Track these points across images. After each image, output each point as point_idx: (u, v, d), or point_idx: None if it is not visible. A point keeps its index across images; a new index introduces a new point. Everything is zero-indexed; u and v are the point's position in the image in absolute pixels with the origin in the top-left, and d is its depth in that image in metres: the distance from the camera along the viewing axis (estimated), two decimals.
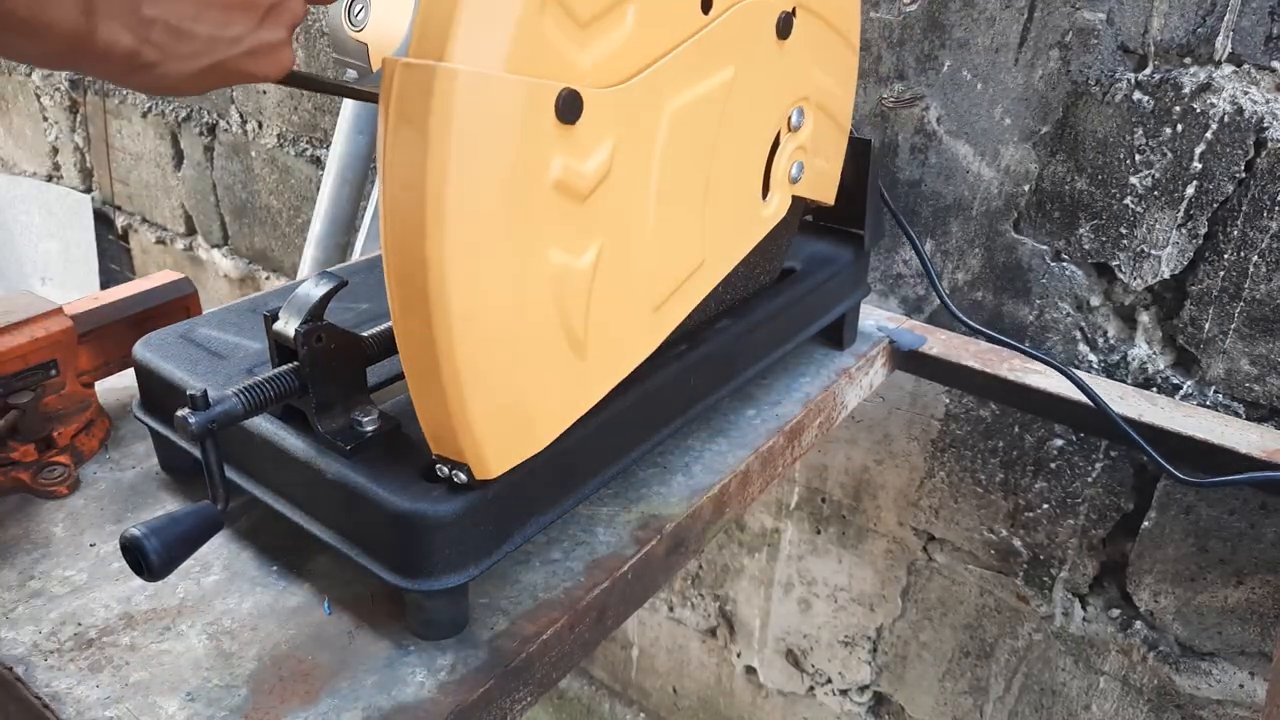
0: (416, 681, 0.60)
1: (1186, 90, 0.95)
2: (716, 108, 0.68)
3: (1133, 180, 1.00)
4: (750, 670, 1.63)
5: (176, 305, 0.91)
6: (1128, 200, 1.02)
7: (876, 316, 1.16)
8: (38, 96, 2.61)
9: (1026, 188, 1.08)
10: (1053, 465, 1.16)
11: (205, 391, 0.57)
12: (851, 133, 0.91)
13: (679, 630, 1.70)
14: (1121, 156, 1.01)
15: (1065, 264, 1.08)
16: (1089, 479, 1.13)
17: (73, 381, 0.81)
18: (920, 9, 1.08)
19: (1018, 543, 1.22)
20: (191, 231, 2.33)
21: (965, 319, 1.04)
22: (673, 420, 0.79)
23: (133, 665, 0.61)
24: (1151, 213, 1.00)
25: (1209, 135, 0.95)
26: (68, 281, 2.68)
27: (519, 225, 0.54)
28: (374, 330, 0.68)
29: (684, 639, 1.70)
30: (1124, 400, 1.00)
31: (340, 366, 0.64)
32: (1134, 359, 1.07)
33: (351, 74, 0.77)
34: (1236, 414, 1.02)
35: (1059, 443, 1.14)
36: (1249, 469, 0.90)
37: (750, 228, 0.79)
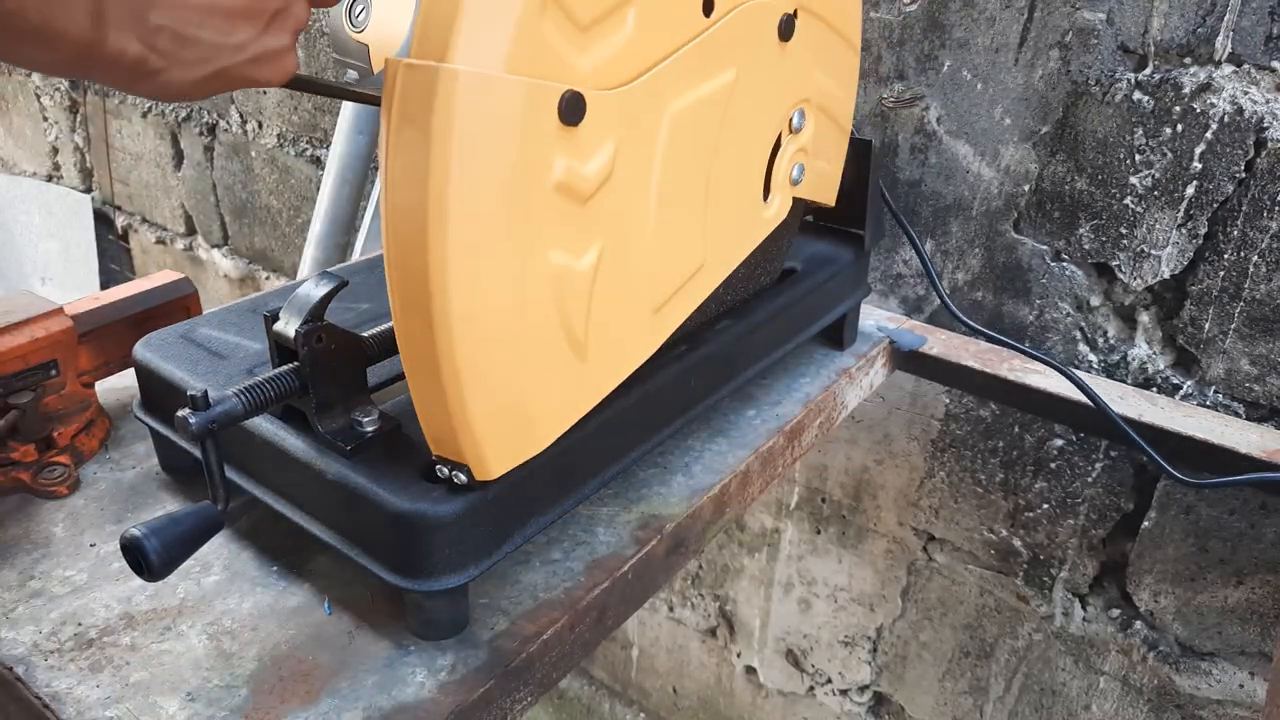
0: (417, 681, 0.60)
1: (1186, 90, 0.95)
2: (718, 110, 0.68)
3: (1133, 180, 1.01)
4: (750, 670, 1.63)
5: (176, 305, 0.91)
6: (1128, 200, 1.02)
7: (876, 316, 1.16)
8: (38, 96, 2.61)
9: (1026, 188, 1.08)
10: (1053, 465, 1.16)
11: (205, 392, 0.57)
12: (852, 133, 0.91)
13: (679, 630, 1.70)
14: (1121, 156, 1.01)
15: (1065, 264, 1.08)
16: (1089, 479, 1.14)
17: (73, 381, 0.81)
18: (920, 9, 1.08)
19: (1018, 543, 1.22)
20: (191, 231, 2.33)
21: (965, 319, 1.04)
22: (673, 420, 0.79)
23: (133, 665, 0.61)
24: (1151, 213, 1.00)
25: (1209, 135, 0.95)
26: (68, 281, 2.68)
27: (520, 226, 0.54)
28: (374, 330, 0.68)
29: (684, 639, 1.70)
30: (1124, 400, 1.00)
31: (340, 367, 0.64)
32: (1134, 359, 1.07)
33: (352, 75, 0.77)
34: (1236, 414, 1.02)
35: (1059, 443, 1.14)
36: (1249, 469, 0.90)
37: (751, 229, 0.79)
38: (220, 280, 2.30)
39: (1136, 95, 0.98)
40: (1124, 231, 1.03)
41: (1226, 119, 0.93)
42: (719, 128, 0.69)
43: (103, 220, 2.59)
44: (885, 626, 1.41)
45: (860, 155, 0.94)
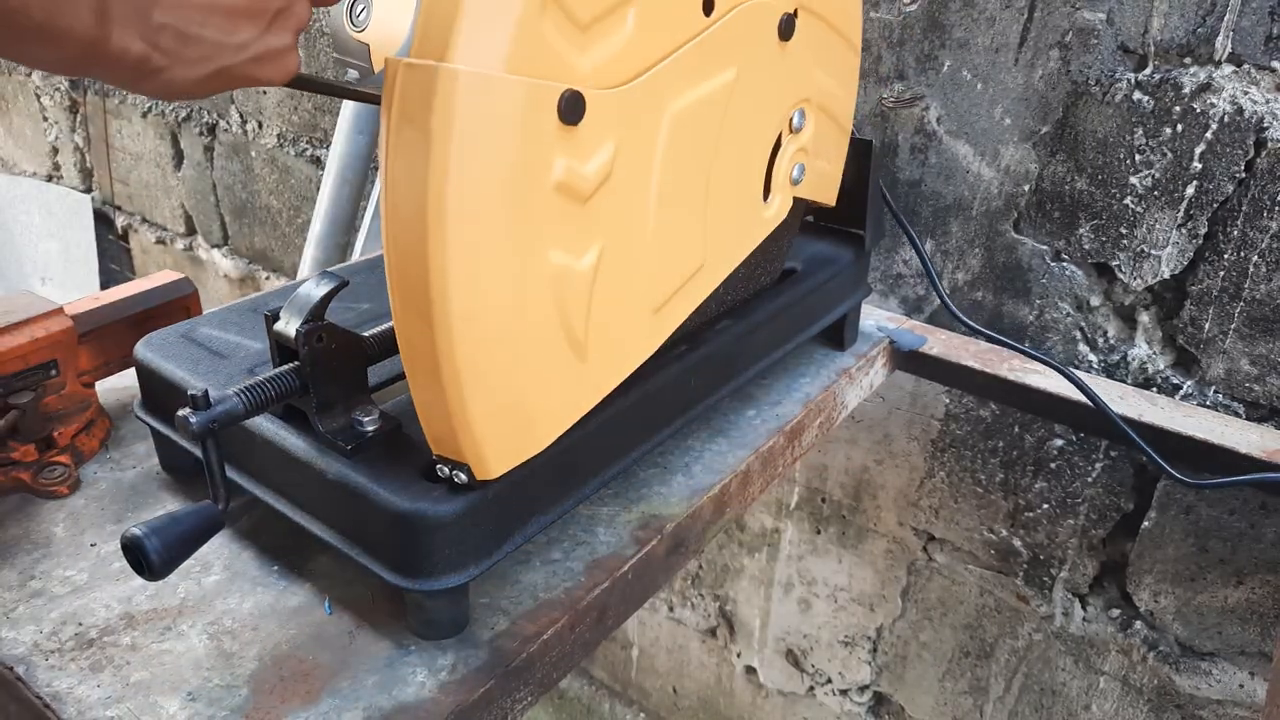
0: (417, 681, 0.60)
1: (1186, 90, 0.95)
2: (718, 110, 0.68)
3: (1133, 180, 1.01)
4: (750, 670, 1.63)
5: (177, 305, 0.91)
6: (1128, 200, 1.02)
7: (877, 316, 1.16)
8: (38, 96, 2.61)
9: (1026, 188, 1.08)
10: (1053, 465, 1.16)
11: (206, 391, 0.57)
12: (852, 133, 0.91)
13: (679, 630, 1.70)
14: (1121, 156, 1.01)
15: (1065, 264, 1.08)
16: (1089, 479, 1.14)
17: (73, 381, 0.81)
18: (920, 9, 1.08)
19: (1018, 543, 1.22)
20: (191, 231, 2.33)
21: (965, 319, 1.04)
22: (673, 420, 0.79)
23: (133, 665, 0.61)
24: (1151, 213, 1.00)
25: (1209, 135, 0.95)
26: (68, 281, 2.68)
27: (520, 226, 0.54)
28: (375, 330, 0.68)
29: (684, 639, 1.70)
30: (1124, 400, 1.00)
31: (341, 366, 0.64)
32: (1134, 359, 1.07)
33: (353, 74, 0.77)
34: (1236, 414, 1.02)
35: (1059, 443, 1.14)
36: (1249, 469, 0.90)
37: (751, 229, 0.79)
38: (220, 280, 2.30)
39: (1136, 95, 0.98)
40: (1124, 231, 1.03)
41: (1226, 119, 0.93)
42: (719, 127, 0.69)
43: (103, 220, 2.59)
44: (885, 626, 1.41)
45: (860, 155, 0.94)
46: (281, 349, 0.64)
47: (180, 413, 0.56)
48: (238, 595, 0.67)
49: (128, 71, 0.49)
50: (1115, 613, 1.17)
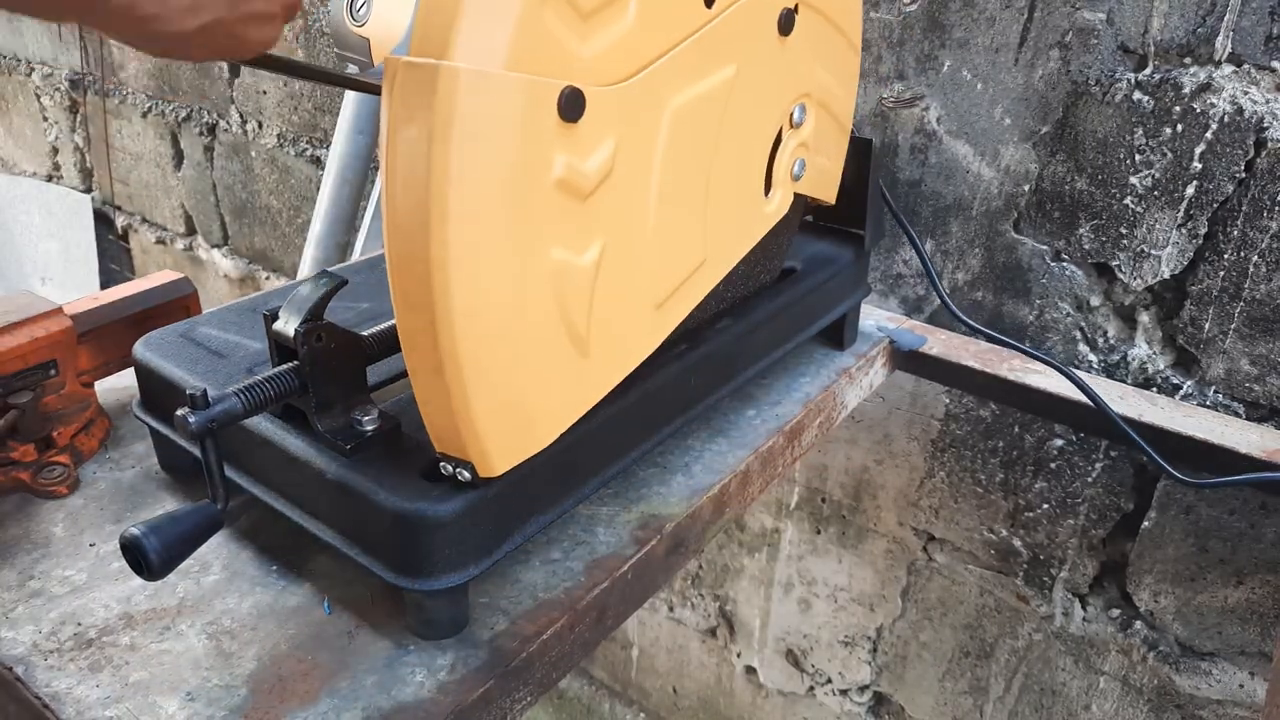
0: (416, 681, 0.60)
1: (1186, 90, 0.95)
2: (718, 105, 0.68)
3: (1133, 180, 1.00)
4: (750, 670, 1.63)
5: (176, 305, 0.90)
6: (1128, 200, 1.01)
7: (876, 316, 1.16)
8: (38, 96, 2.61)
9: (1026, 188, 1.08)
10: (1053, 465, 1.16)
11: (205, 391, 0.57)
12: (852, 133, 0.91)
13: (679, 630, 1.70)
14: (1121, 156, 1.01)
15: (1065, 264, 1.08)
16: (1089, 479, 1.13)
17: (72, 381, 0.81)
18: (920, 9, 1.08)
19: (1018, 543, 1.22)
20: (191, 231, 2.33)
21: (965, 319, 1.04)
22: (673, 420, 0.79)
23: (132, 665, 0.61)
24: (1151, 213, 1.00)
25: (1209, 135, 0.95)
26: (68, 281, 2.68)
27: (521, 223, 0.54)
28: (374, 329, 0.68)
29: (684, 639, 1.70)
30: (1124, 400, 1.00)
31: (340, 366, 0.64)
32: (1134, 359, 1.07)
33: (353, 70, 0.77)
34: (1236, 414, 1.02)
35: (1059, 443, 1.14)
36: (1249, 469, 0.90)
37: (752, 225, 0.79)
38: (220, 280, 2.30)
39: (1136, 95, 0.98)
40: (1124, 231, 1.03)
41: (1226, 119, 0.93)
42: (719, 123, 0.69)
43: (103, 220, 2.59)
44: (885, 626, 1.41)
45: (860, 155, 0.94)
46: (280, 348, 0.64)
47: (179, 412, 0.56)
48: (237, 595, 0.67)
49: (118, 18, 0.49)
50: (1115, 613, 1.17)
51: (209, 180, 2.17)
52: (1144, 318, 1.05)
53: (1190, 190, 0.97)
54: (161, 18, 0.50)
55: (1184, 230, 0.99)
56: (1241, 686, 1.10)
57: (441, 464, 0.60)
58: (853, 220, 0.99)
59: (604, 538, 0.73)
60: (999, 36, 1.04)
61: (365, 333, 0.67)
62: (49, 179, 2.73)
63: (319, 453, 0.64)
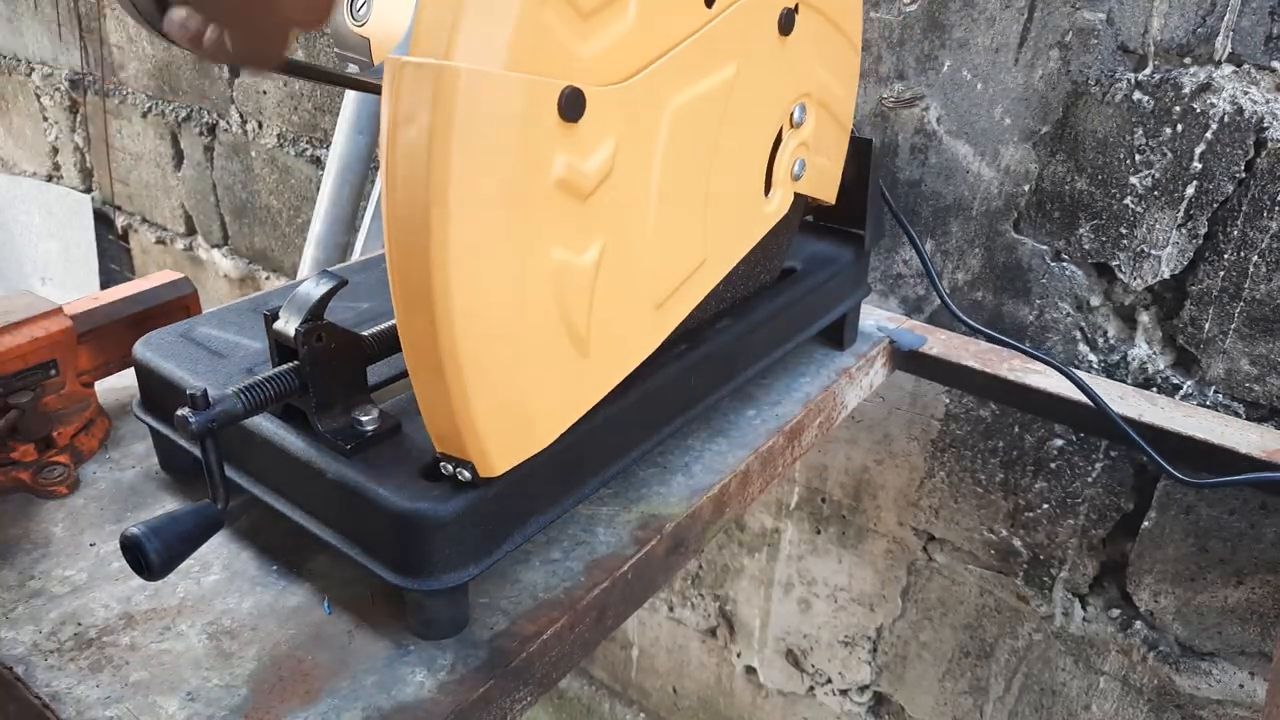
0: (416, 681, 0.60)
1: (1186, 90, 0.95)
2: (718, 105, 0.68)
3: (1133, 180, 1.00)
4: (750, 670, 1.63)
5: (176, 305, 0.90)
6: (1128, 200, 1.02)
7: (876, 316, 1.16)
8: (38, 96, 2.61)
9: (1026, 188, 1.08)
10: (1053, 465, 1.16)
11: (205, 391, 0.57)
12: (852, 133, 0.91)
13: (679, 630, 1.70)
14: (1121, 156, 1.01)
15: (1065, 264, 1.08)
16: (1089, 479, 1.13)
17: (72, 381, 0.81)
18: (920, 9, 1.08)
19: (1018, 543, 1.22)
20: (191, 231, 2.33)
21: (965, 319, 1.04)
22: (673, 420, 0.79)
23: (133, 665, 0.61)
24: (1151, 213, 1.00)
25: (1209, 135, 0.95)
26: (68, 281, 2.68)
27: (521, 224, 0.54)
28: (374, 329, 0.68)
29: (684, 639, 1.70)
30: (1124, 400, 1.00)
31: (340, 366, 0.64)
32: (1134, 359, 1.07)
33: (353, 69, 0.77)
34: (1236, 414, 1.02)
35: (1059, 443, 1.14)
36: (1249, 469, 0.90)
37: (752, 225, 0.79)
38: (220, 280, 2.30)
39: (1136, 95, 0.98)
40: (1124, 231, 1.03)
41: (1226, 119, 0.93)
42: (720, 123, 0.69)
43: (103, 220, 2.59)
44: (885, 626, 1.41)
45: (860, 154, 0.94)
46: (281, 348, 0.64)
47: (179, 412, 0.56)
48: (237, 595, 0.67)
49: None
50: (1115, 613, 1.17)
51: (209, 180, 2.17)
52: (1144, 318, 1.05)
53: (1190, 190, 0.97)
54: None
55: (1184, 230, 0.99)
56: (1241, 686, 1.10)
57: (442, 464, 0.60)
58: (853, 220, 0.99)
59: (604, 538, 0.73)
60: (999, 36, 1.04)
61: (365, 333, 0.67)
62: (49, 179, 2.73)
63: (319, 452, 0.64)
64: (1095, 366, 1.10)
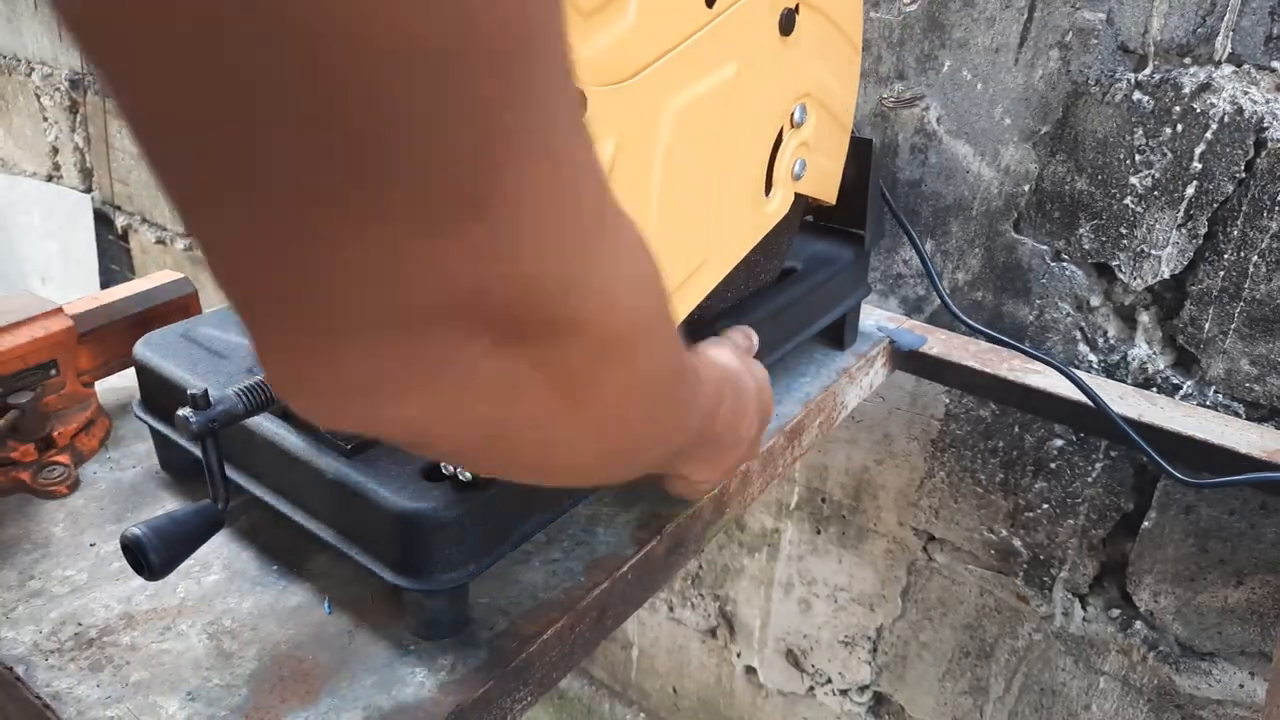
0: (416, 681, 0.60)
1: (1186, 90, 0.95)
2: (719, 105, 0.68)
3: (1133, 180, 1.01)
4: (750, 670, 1.63)
5: (177, 305, 0.90)
6: (1128, 200, 1.02)
7: (877, 316, 1.16)
8: (38, 96, 2.61)
9: (1026, 188, 1.08)
10: (1053, 465, 1.16)
11: (206, 391, 0.57)
12: (852, 133, 0.91)
13: (679, 630, 1.70)
14: (1121, 156, 1.01)
15: (1065, 264, 1.08)
16: (1089, 479, 1.13)
17: (73, 381, 0.81)
18: (920, 9, 1.08)
19: (1018, 543, 1.22)
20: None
21: (966, 319, 1.04)
22: None
23: (133, 665, 0.61)
24: (1151, 213, 1.00)
25: (1209, 135, 0.95)
26: (67, 281, 2.67)
27: None
28: None
29: (684, 639, 1.70)
30: (1124, 400, 1.00)
31: None
32: (1134, 359, 1.07)
33: None
34: (1236, 414, 1.02)
35: (1059, 443, 1.14)
36: (1249, 469, 0.90)
37: (753, 225, 0.79)
38: None
39: (1136, 95, 0.98)
40: (1124, 231, 1.03)
41: (1226, 119, 0.93)
42: (720, 124, 0.69)
43: (103, 220, 2.59)
44: (885, 626, 1.41)
45: (861, 155, 0.94)
46: None
47: (180, 412, 0.56)
48: (237, 595, 0.67)
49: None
50: (1115, 613, 1.17)
51: None
52: (1144, 318, 1.05)
53: (1190, 190, 0.97)
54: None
55: (1184, 230, 0.99)
56: (1241, 686, 1.10)
57: (443, 463, 0.60)
58: (853, 220, 0.99)
59: (604, 538, 0.73)
60: (999, 36, 1.04)
61: None
62: (49, 179, 2.73)
63: (319, 452, 0.64)
64: (1095, 366, 1.10)
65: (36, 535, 0.73)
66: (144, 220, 2.46)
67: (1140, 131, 0.99)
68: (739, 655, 1.63)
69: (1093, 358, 1.10)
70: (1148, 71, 0.97)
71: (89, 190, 2.61)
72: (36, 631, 0.64)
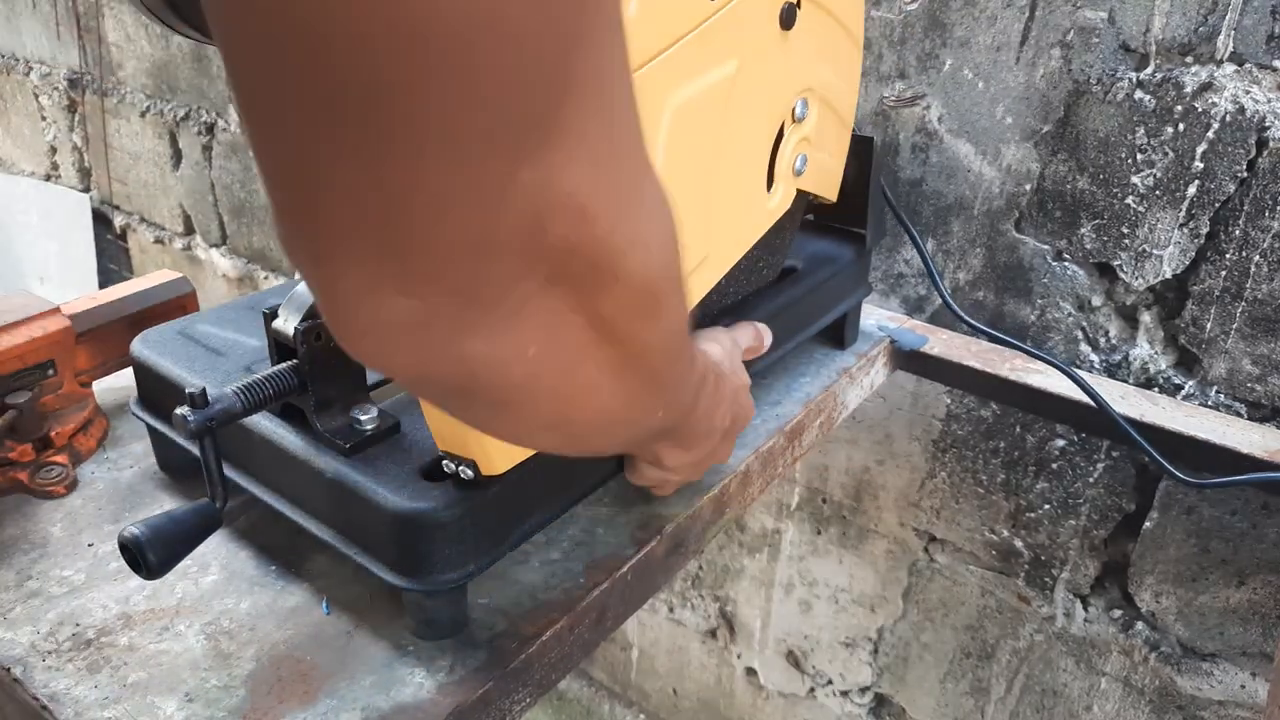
0: (415, 682, 0.60)
1: (1188, 89, 0.95)
2: (720, 100, 0.68)
3: (1134, 180, 1.00)
4: (751, 671, 1.63)
5: (174, 305, 0.90)
6: (1129, 200, 1.01)
7: (877, 316, 1.15)
8: (36, 96, 2.61)
9: (1028, 187, 1.08)
10: (1054, 465, 1.15)
11: (204, 389, 0.56)
12: (854, 131, 0.91)
13: (679, 631, 1.70)
14: (1123, 156, 1.00)
15: (1067, 263, 1.08)
16: (1090, 479, 1.13)
17: (70, 381, 0.81)
18: (921, 8, 1.08)
19: (1019, 543, 1.22)
20: (190, 231, 2.32)
21: (967, 318, 1.03)
22: None
23: (131, 665, 0.61)
24: (1153, 212, 1.00)
25: (1210, 134, 0.94)
26: (66, 281, 2.67)
27: None
28: None
29: (684, 640, 1.70)
30: (1125, 400, 1.00)
31: (339, 364, 0.64)
32: (1135, 359, 1.07)
33: None
34: (1238, 414, 1.02)
35: (1060, 443, 1.14)
36: (1251, 469, 0.90)
37: (755, 221, 0.79)
38: (218, 280, 2.29)
39: (1138, 94, 0.98)
40: (1126, 231, 1.03)
41: (1228, 118, 0.93)
42: (722, 119, 0.69)
43: (101, 220, 2.59)
44: (886, 627, 1.41)
45: (862, 153, 0.93)
46: (280, 347, 0.63)
47: (178, 411, 0.56)
48: (235, 595, 0.67)
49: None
50: (1117, 613, 1.17)
51: (207, 180, 2.17)
52: (1146, 317, 1.05)
53: (1192, 190, 0.97)
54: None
55: (1186, 230, 0.99)
56: (1243, 687, 1.10)
57: (444, 462, 0.60)
58: (854, 219, 0.98)
59: (604, 538, 0.73)
60: (1000, 35, 1.04)
61: None
62: (47, 178, 2.73)
63: (318, 452, 0.63)
64: (1097, 366, 1.10)
65: (34, 535, 0.72)
66: (142, 220, 2.45)
67: (1142, 131, 0.98)
68: (739, 656, 1.63)
69: (1094, 358, 1.10)
70: (1149, 70, 0.96)
71: (87, 190, 2.60)
72: (34, 632, 0.63)
